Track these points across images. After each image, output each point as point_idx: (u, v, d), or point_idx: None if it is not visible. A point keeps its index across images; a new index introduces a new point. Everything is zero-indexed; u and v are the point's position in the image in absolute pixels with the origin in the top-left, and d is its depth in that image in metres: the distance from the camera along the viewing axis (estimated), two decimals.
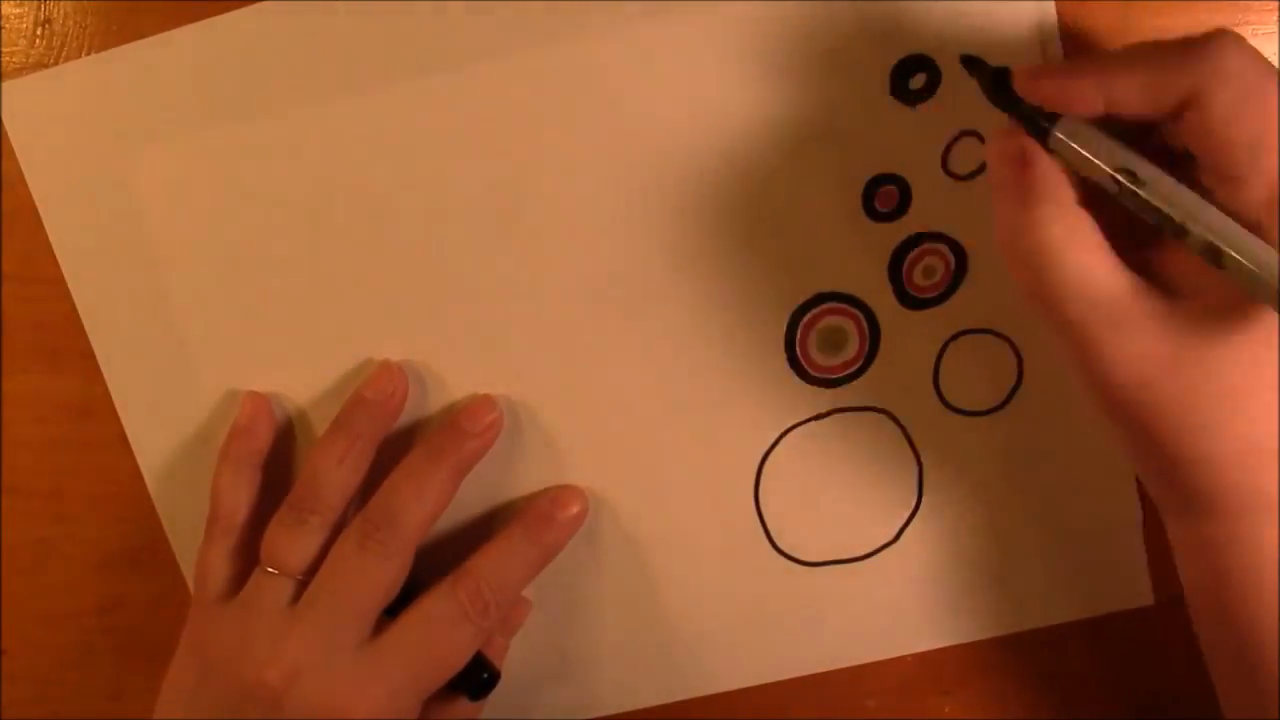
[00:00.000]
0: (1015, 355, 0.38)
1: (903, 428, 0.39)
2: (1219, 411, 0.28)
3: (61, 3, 0.38)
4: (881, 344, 0.39)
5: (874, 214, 0.38)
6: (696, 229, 0.38)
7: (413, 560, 0.37)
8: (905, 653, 0.42)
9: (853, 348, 0.39)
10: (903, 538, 0.40)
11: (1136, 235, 0.30)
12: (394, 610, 0.37)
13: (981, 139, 0.37)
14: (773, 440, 0.40)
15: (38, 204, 0.39)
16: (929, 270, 0.38)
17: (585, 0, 0.36)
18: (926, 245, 0.38)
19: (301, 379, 0.40)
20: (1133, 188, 0.27)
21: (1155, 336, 0.28)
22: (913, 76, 0.36)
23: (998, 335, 0.38)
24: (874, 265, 0.38)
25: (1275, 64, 0.36)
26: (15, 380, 0.41)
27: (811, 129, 0.37)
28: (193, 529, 0.40)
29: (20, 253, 0.40)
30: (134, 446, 0.41)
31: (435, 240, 0.38)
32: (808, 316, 0.39)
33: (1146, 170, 0.27)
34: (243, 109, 0.38)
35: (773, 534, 0.40)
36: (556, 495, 0.40)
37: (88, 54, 0.38)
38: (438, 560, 0.39)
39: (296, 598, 0.37)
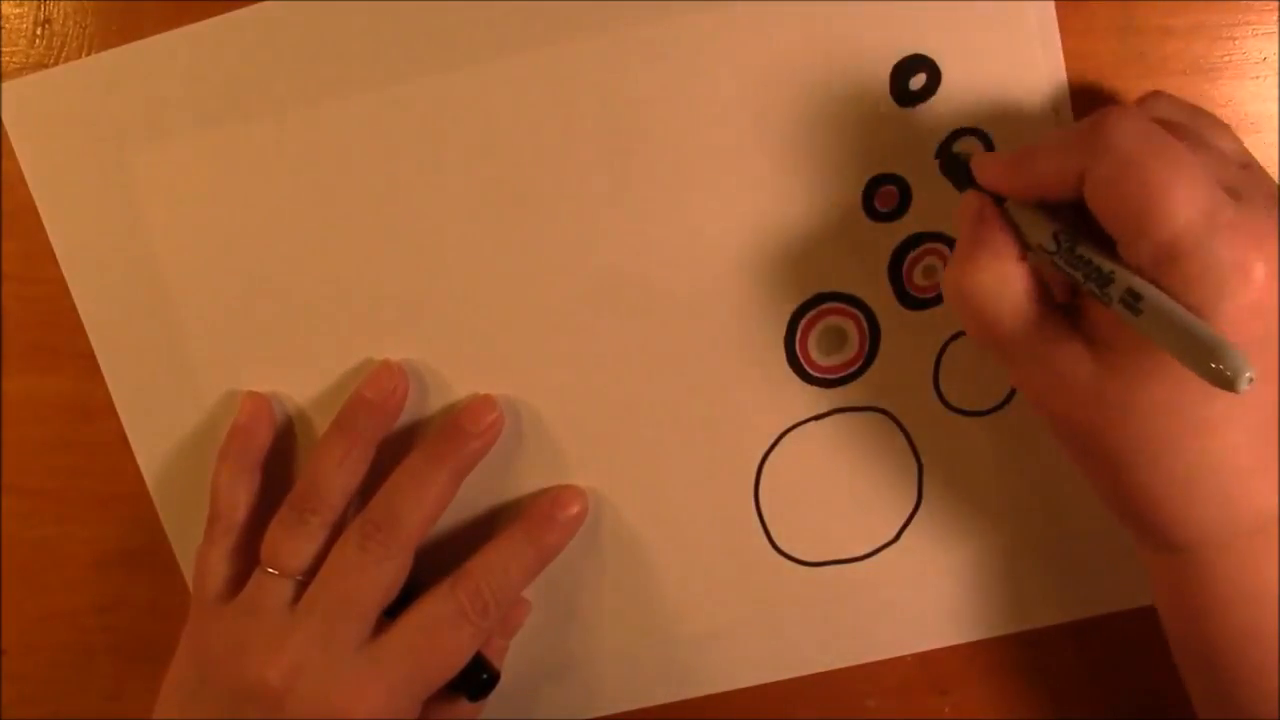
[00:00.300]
0: None
1: (903, 428, 0.39)
2: (1140, 451, 0.30)
3: (61, 3, 0.38)
4: (881, 344, 0.39)
5: (874, 214, 0.38)
6: (696, 229, 0.38)
7: (413, 560, 0.37)
8: (905, 653, 0.42)
9: (853, 348, 0.39)
10: (903, 538, 0.40)
11: (1068, 298, 0.32)
12: (394, 611, 0.37)
13: (981, 139, 0.37)
14: (773, 440, 0.40)
15: (38, 204, 0.39)
16: (929, 270, 0.38)
17: (586, 0, 0.36)
18: (926, 245, 0.38)
19: (301, 379, 0.40)
20: (1067, 246, 0.30)
21: (1077, 375, 0.30)
22: (913, 76, 0.36)
23: None
24: (874, 265, 0.38)
25: (1275, 69, 0.36)
26: (15, 380, 0.41)
27: (811, 129, 0.37)
28: (193, 529, 0.40)
29: (20, 253, 0.40)
30: (134, 446, 0.41)
31: (435, 240, 0.38)
32: (808, 316, 0.39)
33: (1075, 237, 0.30)
34: (243, 109, 0.38)
35: (773, 534, 0.40)
36: (557, 495, 0.40)
37: (88, 54, 0.38)
38: (438, 560, 0.39)
39: (297, 598, 0.37)
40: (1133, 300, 0.28)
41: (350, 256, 0.39)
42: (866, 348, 0.39)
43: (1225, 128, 0.34)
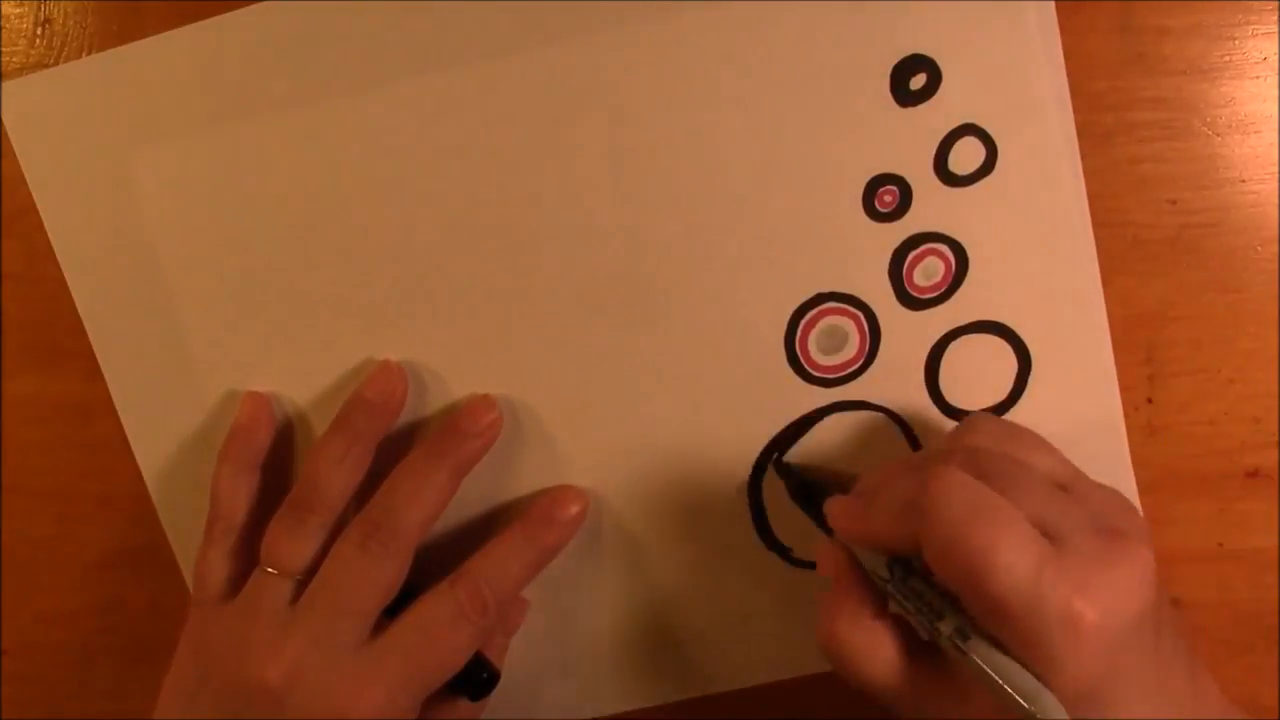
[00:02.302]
0: (1015, 355, 0.39)
1: (903, 428, 0.39)
2: None
3: (61, 3, 0.38)
4: (881, 344, 0.39)
5: (874, 214, 0.38)
6: (696, 229, 0.38)
7: (412, 560, 0.37)
8: None
9: (853, 348, 0.39)
10: None
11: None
12: (394, 610, 0.37)
13: (982, 138, 0.37)
14: (772, 439, 0.40)
15: (38, 204, 0.39)
16: (929, 270, 0.38)
17: (586, 0, 0.36)
18: (926, 245, 0.38)
19: (301, 379, 0.40)
20: (900, 576, 0.31)
21: None
22: (913, 76, 0.36)
23: (998, 335, 0.38)
24: (874, 265, 0.38)
25: (1275, 69, 0.36)
26: (15, 380, 0.41)
27: (811, 129, 0.37)
28: (193, 529, 0.40)
29: (20, 253, 0.40)
30: (134, 446, 0.41)
31: (435, 240, 0.38)
32: (808, 316, 0.39)
33: (910, 568, 0.31)
34: (243, 109, 0.38)
35: (773, 533, 0.40)
36: (556, 495, 0.40)
37: (88, 54, 0.38)
38: (438, 560, 0.39)
39: (296, 598, 0.37)
40: (960, 640, 0.29)
41: (350, 256, 0.39)
42: (866, 348, 0.39)
43: (1045, 446, 0.34)
